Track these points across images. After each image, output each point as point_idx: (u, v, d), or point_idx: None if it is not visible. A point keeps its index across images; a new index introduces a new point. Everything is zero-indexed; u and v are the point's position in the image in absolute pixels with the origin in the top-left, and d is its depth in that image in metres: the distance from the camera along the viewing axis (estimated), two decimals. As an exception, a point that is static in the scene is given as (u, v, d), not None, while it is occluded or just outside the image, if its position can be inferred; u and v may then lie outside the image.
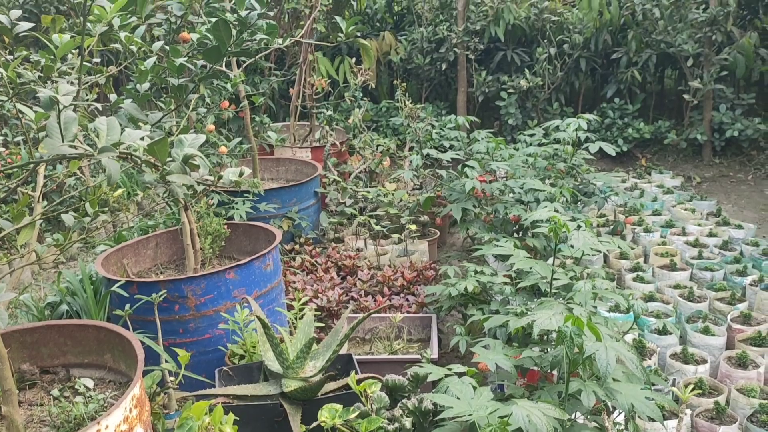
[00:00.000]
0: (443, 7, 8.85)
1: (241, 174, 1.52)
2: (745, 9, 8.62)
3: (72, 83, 2.75)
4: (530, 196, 4.11)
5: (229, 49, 2.91)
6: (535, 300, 3.30)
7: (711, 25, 8.00)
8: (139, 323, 3.47)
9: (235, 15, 2.87)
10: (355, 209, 5.38)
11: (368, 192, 5.36)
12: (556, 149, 4.64)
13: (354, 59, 8.52)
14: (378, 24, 9.63)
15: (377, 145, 6.12)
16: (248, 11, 2.90)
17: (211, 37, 2.89)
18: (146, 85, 3.10)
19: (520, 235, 4.21)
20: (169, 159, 1.55)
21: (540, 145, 5.09)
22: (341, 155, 6.45)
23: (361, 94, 6.25)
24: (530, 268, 2.65)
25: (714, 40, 8.08)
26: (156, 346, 3.18)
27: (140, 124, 2.86)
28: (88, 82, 2.99)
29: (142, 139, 1.61)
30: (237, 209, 4.55)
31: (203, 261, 4.09)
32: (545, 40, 8.57)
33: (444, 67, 8.64)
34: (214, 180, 1.50)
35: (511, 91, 8.48)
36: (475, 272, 3.60)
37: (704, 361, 3.64)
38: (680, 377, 3.56)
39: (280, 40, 3.24)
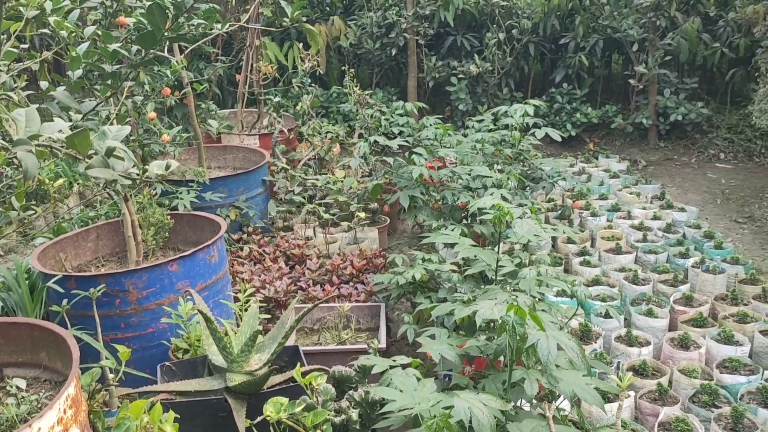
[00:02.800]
0: (393, -10, 8.79)
1: (167, 167, 1.45)
2: (689, -6, 8.78)
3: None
4: (478, 183, 4.11)
5: (165, 34, 2.81)
6: (483, 287, 3.31)
7: (655, 11, 8.12)
8: (78, 319, 3.36)
9: (171, -1, 2.78)
10: (304, 197, 5.31)
11: (317, 180, 5.30)
12: (504, 135, 4.64)
13: (302, 44, 8.40)
14: (328, 8, 9.51)
15: (326, 132, 6.05)
16: (186, -4, 2.80)
17: (146, 22, 2.79)
18: (79, 72, 2.98)
19: (469, 221, 4.21)
20: (91, 151, 1.47)
21: (489, 131, 5.10)
22: (290, 142, 6.36)
23: (310, 81, 6.16)
24: (475, 255, 2.64)
25: (658, 25, 8.21)
26: (95, 343, 3.08)
27: (72, 113, 2.74)
28: (15, 70, 2.86)
29: (61, 131, 1.52)
30: (181, 199, 4.43)
31: (146, 253, 3.98)
32: (494, 25, 8.59)
33: (394, 52, 8.59)
34: (139, 174, 1.43)
35: (461, 76, 8.48)
36: (423, 260, 3.58)
37: (648, 343, 3.71)
38: (624, 360, 3.62)
39: (219, 26, 3.15)
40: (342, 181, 5.26)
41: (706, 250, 4.84)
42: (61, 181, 4.56)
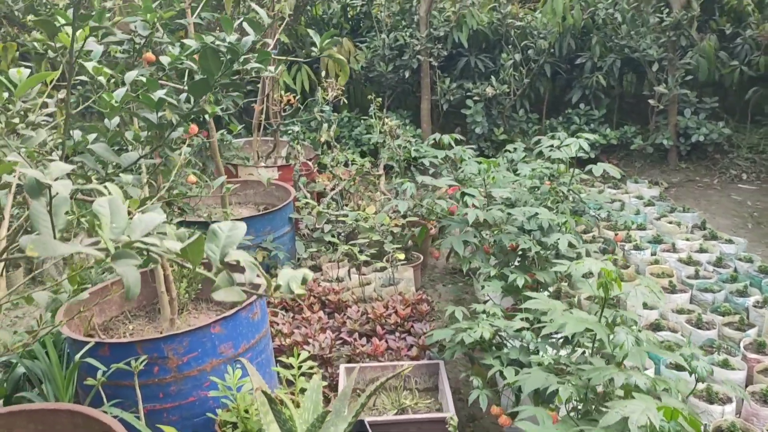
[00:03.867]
0: (404, 12, 8.53)
1: (304, 281, 1.15)
2: (703, 11, 8.59)
3: (37, 126, 2.31)
4: (533, 224, 3.82)
5: (218, 80, 2.52)
6: (562, 347, 3.01)
7: (675, 29, 7.92)
8: (113, 389, 3.03)
9: (226, 41, 2.48)
10: (334, 235, 5.00)
11: (347, 216, 4.99)
12: (552, 170, 4.37)
13: (312, 68, 8.13)
14: (334, 29, 9.23)
15: (351, 162, 5.75)
16: (240, 37, 2.51)
17: (196, 68, 2.49)
18: (116, 120, 2.69)
19: (523, 262, 3.92)
20: (203, 260, 1.18)
21: (528, 160, 4.85)
22: (309, 173, 6.06)
23: (331, 108, 5.87)
24: (584, 330, 2.33)
25: (678, 44, 8.01)
26: (138, 424, 2.76)
27: (118, 172, 2.44)
28: (47, 126, 2.55)
29: (165, 234, 1.23)
30: (211, 245, 4.10)
31: (179, 308, 3.66)
32: (509, 46, 8.35)
33: (407, 74, 8.33)
34: (267, 288, 1.14)
35: (476, 98, 8.23)
36: (487, 315, 3.29)
37: (729, 400, 3.43)
38: (707, 419, 3.33)
39: (272, 68, 2.86)
40: (373, 217, 4.96)
41: (765, 287, 4.58)
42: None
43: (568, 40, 8.50)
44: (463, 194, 3.81)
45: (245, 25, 2.55)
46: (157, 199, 2.88)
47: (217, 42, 2.41)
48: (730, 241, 5.45)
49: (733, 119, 8.79)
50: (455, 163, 4.90)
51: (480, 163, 4.32)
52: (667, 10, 8.02)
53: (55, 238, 1.26)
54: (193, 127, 4.25)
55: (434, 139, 4.74)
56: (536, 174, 4.30)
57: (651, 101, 8.18)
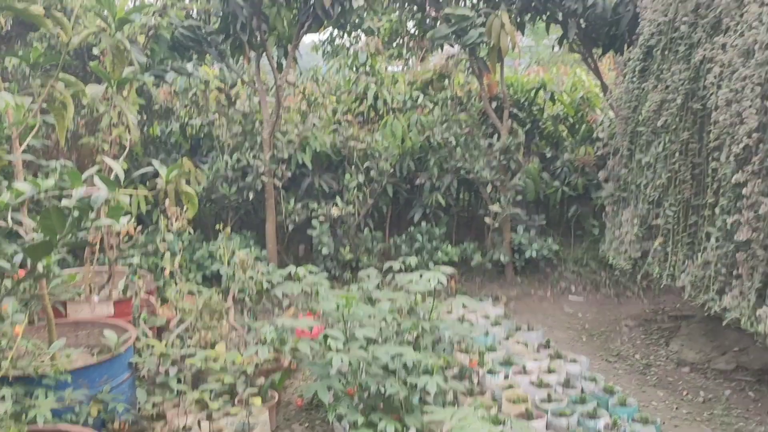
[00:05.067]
0: (247, 134, 8.48)
1: None
2: (526, 136, 9.32)
3: None
4: (397, 363, 3.72)
5: (61, 240, 2.23)
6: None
7: (505, 153, 8.51)
8: None
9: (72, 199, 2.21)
10: (180, 379, 4.59)
11: (194, 358, 4.61)
12: (411, 303, 4.35)
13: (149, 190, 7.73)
14: (171, 148, 8.96)
15: (198, 293, 5.40)
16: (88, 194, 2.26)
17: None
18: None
19: (390, 404, 3.77)
20: None
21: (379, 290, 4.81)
22: (150, 306, 5.62)
23: (177, 239, 5.55)
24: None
25: (508, 167, 8.59)
26: None
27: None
28: None
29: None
30: (38, 408, 3.58)
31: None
32: (353, 167, 8.53)
33: (251, 195, 8.18)
34: None
35: (322, 218, 8.23)
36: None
37: None
38: None
39: (126, 219, 2.60)
40: (223, 356, 4.63)
41: (612, 410, 4.76)
42: None
43: (408, 161, 8.85)
44: (326, 337, 3.65)
45: (96, 179, 2.31)
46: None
47: (63, 202, 2.14)
48: (574, 361, 5.68)
49: (559, 235, 9.45)
50: (310, 295, 4.76)
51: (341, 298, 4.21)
52: (497, 135, 8.63)
53: None
54: (22, 271, 3.79)
55: (289, 272, 4.58)
56: (395, 307, 4.24)
57: (487, 219, 8.62)
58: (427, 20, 8.73)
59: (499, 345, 6.08)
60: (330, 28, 9.13)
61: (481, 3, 8.39)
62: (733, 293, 5.27)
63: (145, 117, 8.41)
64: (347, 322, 4.07)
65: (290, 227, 8.33)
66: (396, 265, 4.97)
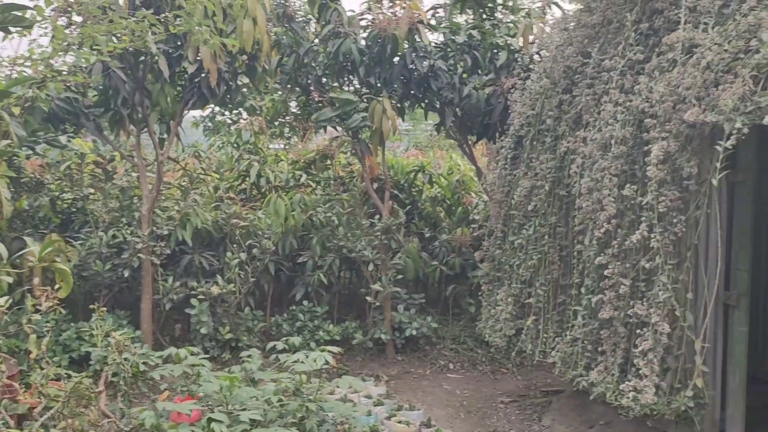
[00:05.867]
0: (124, 209, 8.23)
1: None
2: (406, 215, 9.65)
3: None
4: (283, 447, 3.66)
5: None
6: None
7: (386, 233, 8.73)
8: None
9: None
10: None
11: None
12: (297, 384, 4.32)
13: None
14: (39, 223, 8.52)
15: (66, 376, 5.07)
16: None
17: None
18: None
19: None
20: None
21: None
22: (12, 392, 5.20)
23: (45, 320, 5.22)
24: None
25: (389, 246, 8.81)
26: None
27: None
28: None
29: None
30: None
31: None
32: (234, 245, 8.45)
33: (126, 273, 7.88)
34: None
35: (201, 297, 8.03)
36: None
37: None
38: None
39: None
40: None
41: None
42: None
43: (291, 239, 8.88)
44: (210, 420, 3.54)
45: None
46: None
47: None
48: (454, 438, 5.78)
49: (438, 313, 9.70)
50: (191, 376, 4.61)
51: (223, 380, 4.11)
52: (378, 215, 8.87)
53: None
54: None
55: (169, 354, 4.43)
56: (280, 388, 4.20)
57: (368, 298, 8.73)
58: (312, 103, 8.98)
59: (381, 425, 6.09)
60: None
61: (363, 89, 8.76)
62: (598, 368, 5.60)
63: (13, 190, 7.99)
64: (229, 404, 3.98)
65: (167, 306, 8.05)
66: (279, 345, 4.97)
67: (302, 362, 4.18)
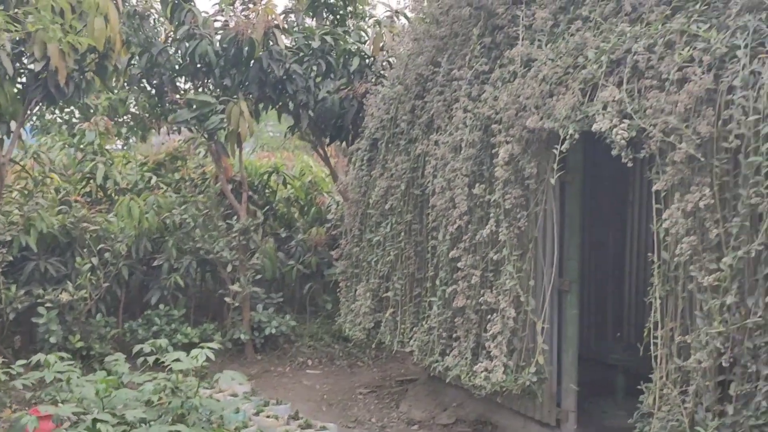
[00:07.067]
0: (-41, 214, 7.67)
1: None
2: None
3: None
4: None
5: None
6: None
7: (244, 234, 8.81)
8: None
9: None
10: None
11: None
12: (176, 383, 4.37)
13: None
14: None
15: None
16: None
17: None
18: None
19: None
20: None
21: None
22: None
23: None
24: None
25: (247, 247, 8.89)
26: None
27: None
28: None
29: None
30: None
31: None
32: (84, 250, 8.14)
33: (-37, 283, 7.37)
34: None
35: (49, 305, 7.67)
36: None
37: None
38: None
39: None
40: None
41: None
42: None
43: (145, 242, 8.70)
44: (96, 420, 3.55)
45: None
46: None
47: None
48: (324, 428, 6.04)
49: (295, 311, 9.90)
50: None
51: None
52: (236, 216, 8.92)
53: None
54: None
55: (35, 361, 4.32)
56: (159, 387, 4.24)
57: (227, 299, 8.76)
58: (164, 103, 8.83)
59: (250, 421, 6.21)
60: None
61: (218, 90, 8.76)
62: (453, 353, 6.11)
63: None
64: (105, 407, 3.97)
65: (11, 316, 7.61)
66: (146, 347, 4.99)
67: (181, 361, 4.24)
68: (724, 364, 4.06)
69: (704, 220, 4.13)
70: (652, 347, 4.53)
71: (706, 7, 4.44)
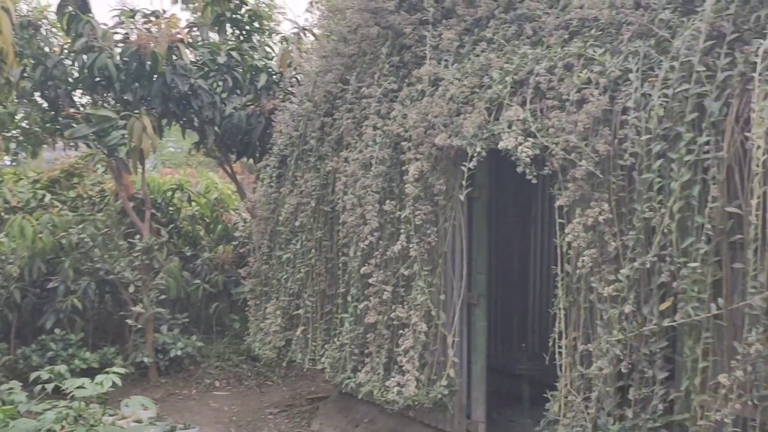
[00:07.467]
0: None
1: None
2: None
3: None
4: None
5: None
6: None
7: (147, 253, 8.52)
8: None
9: None
10: None
11: None
12: (77, 410, 4.17)
13: None
14: None
15: None
16: None
17: None
18: None
19: None
20: None
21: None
22: None
23: None
24: None
25: (151, 266, 8.60)
26: None
27: None
28: None
29: None
30: None
31: None
32: (-28, 272, 7.65)
33: None
34: None
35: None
36: None
37: None
38: None
39: None
40: None
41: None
42: None
43: (38, 264, 8.26)
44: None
45: None
46: None
47: None
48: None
49: (201, 332, 9.65)
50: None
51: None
52: (138, 235, 8.62)
53: None
54: None
55: None
56: (61, 416, 4.03)
57: (129, 321, 8.43)
58: (60, 118, 8.44)
59: (156, 448, 6.00)
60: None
61: (118, 105, 8.47)
62: (365, 369, 6.12)
63: None
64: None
65: None
66: (44, 374, 4.76)
67: (85, 387, 4.05)
68: (623, 371, 4.28)
69: (603, 233, 4.36)
70: (557, 356, 4.72)
71: (600, 32, 4.72)
